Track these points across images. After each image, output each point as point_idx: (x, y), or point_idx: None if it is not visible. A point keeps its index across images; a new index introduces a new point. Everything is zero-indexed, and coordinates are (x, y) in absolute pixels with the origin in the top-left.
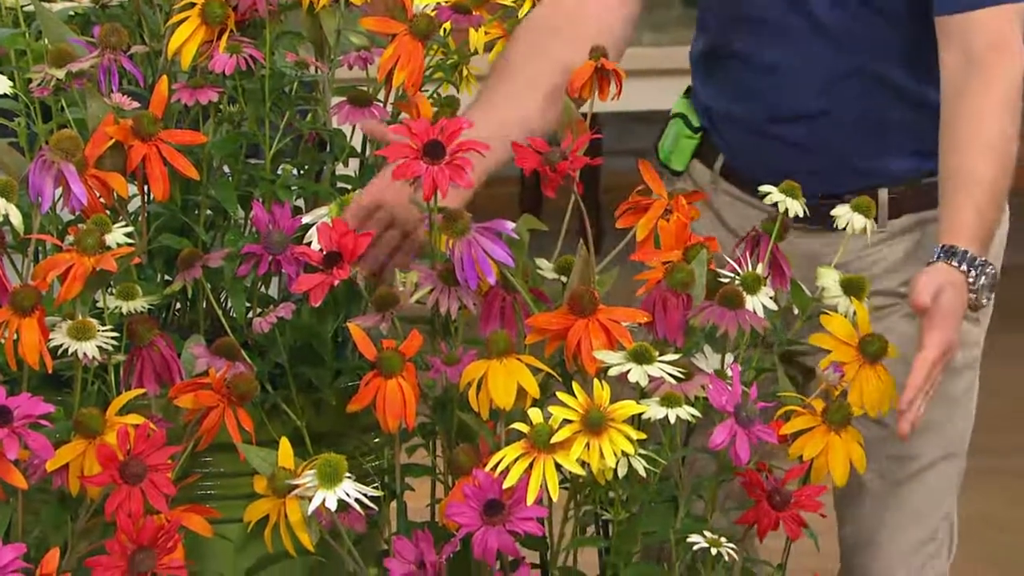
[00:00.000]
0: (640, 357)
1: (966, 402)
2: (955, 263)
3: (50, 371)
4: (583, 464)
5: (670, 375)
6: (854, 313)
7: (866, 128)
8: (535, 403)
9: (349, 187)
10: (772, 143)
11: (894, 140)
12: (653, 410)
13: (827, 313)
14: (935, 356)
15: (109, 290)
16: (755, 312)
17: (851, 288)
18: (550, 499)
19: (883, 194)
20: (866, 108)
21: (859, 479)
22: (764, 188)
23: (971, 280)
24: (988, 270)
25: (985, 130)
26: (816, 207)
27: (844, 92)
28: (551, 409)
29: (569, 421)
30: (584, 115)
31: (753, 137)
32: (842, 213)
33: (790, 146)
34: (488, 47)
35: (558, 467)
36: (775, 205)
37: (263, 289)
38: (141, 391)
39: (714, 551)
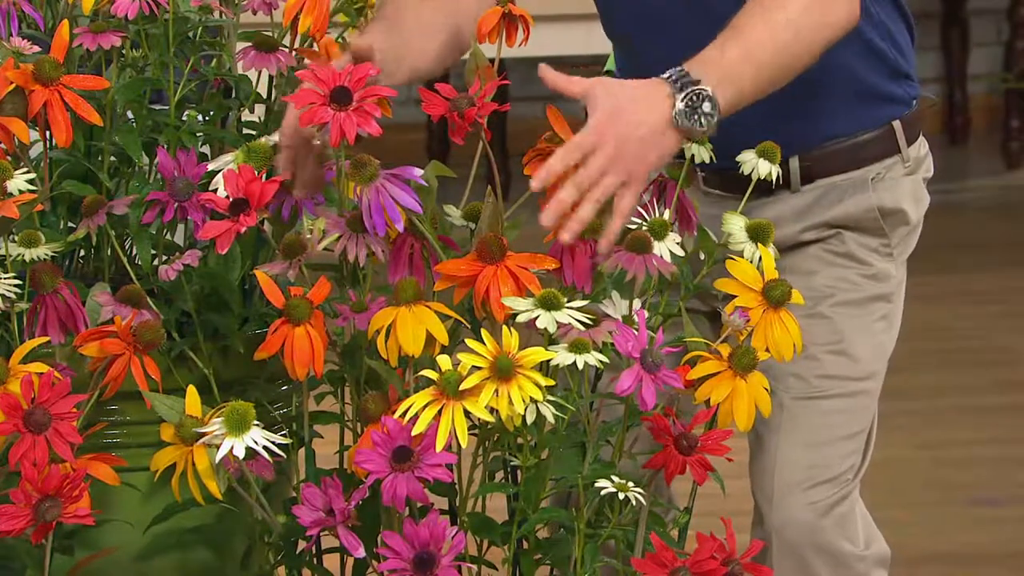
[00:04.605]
0: (548, 303)
1: (878, 332)
2: (664, 76)
3: None
4: (492, 411)
5: (578, 321)
6: (759, 258)
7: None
8: (444, 350)
9: (255, 133)
10: None
11: (796, 108)
12: (561, 356)
13: (732, 258)
14: (584, 142)
15: (11, 237)
16: (662, 257)
17: (757, 234)
18: (459, 446)
19: (794, 163)
20: None
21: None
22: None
23: (674, 96)
24: (702, 104)
25: (775, 10)
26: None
27: None
28: (460, 356)
29: (478, 368)
30: (491, 61)
31: None
32: (748, 159)
33: None
34: None
35: (467, 414)
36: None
37: (169, 236)
38: (45, 339)
39: (621, 496)
